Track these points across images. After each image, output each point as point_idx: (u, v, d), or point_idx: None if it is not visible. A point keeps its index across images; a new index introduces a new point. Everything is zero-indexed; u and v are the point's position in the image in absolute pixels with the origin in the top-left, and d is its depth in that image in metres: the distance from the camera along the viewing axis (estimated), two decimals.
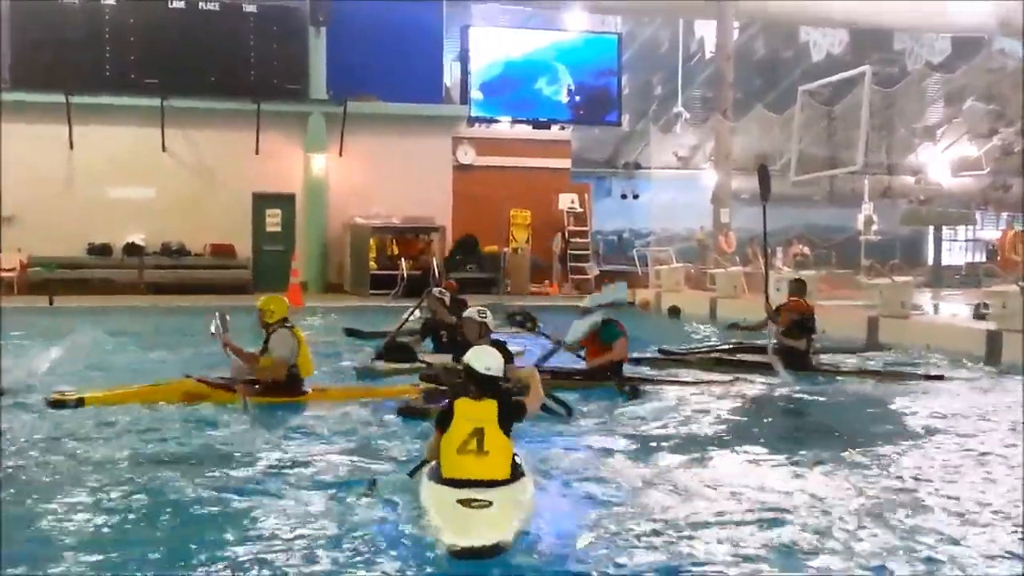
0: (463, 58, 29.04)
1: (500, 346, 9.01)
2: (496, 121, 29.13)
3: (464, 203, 27.34)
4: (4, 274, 24.30)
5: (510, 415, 6.38)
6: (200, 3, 25.77)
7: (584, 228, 28.70)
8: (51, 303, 21.55)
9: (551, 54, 29.70)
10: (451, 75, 29.53)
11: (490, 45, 29.15)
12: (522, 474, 6.34)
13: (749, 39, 36.20)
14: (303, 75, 26.50)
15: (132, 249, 25.15)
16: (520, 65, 29.28)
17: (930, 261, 32.97)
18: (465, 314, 10.57)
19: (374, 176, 26.51)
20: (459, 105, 28.55)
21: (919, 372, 12.65)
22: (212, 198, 25.83)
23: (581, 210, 28.67)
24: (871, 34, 35.15)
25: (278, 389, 9.64)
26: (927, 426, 9.37)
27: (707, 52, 34.95)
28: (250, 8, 26.11)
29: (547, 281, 27.63)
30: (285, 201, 26.62)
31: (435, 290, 13.46)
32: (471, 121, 28.55)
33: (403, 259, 25.64)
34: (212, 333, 9.95)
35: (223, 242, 25.80)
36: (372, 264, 25.75)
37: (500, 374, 6.49)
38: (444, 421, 6.32)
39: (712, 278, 23.63)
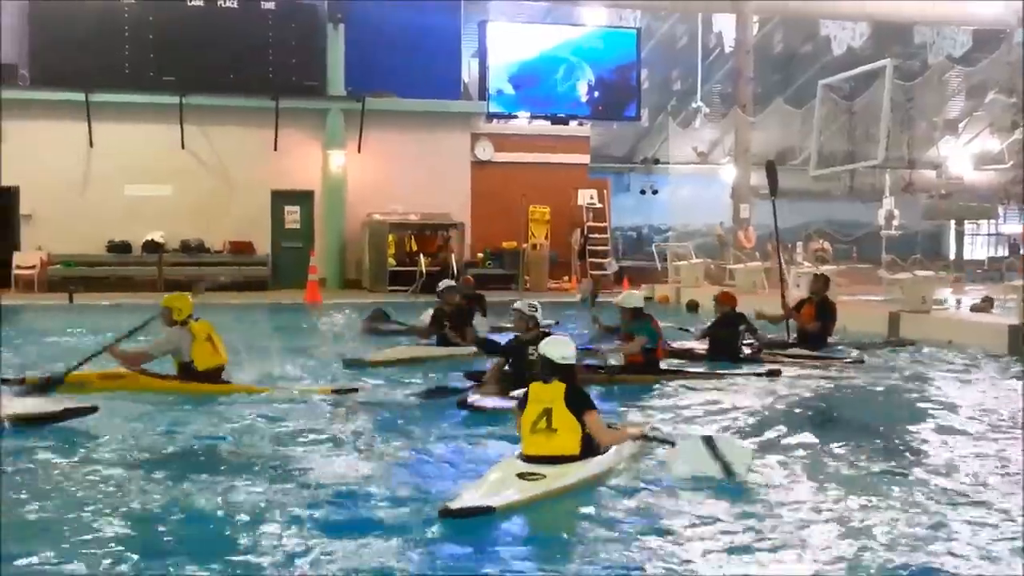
0: (481, 54, 28.98)
1: (546, 334, 9.42)
2: (514, 117, 29.08)
3: (482, 199, 27.33)
4: (24, 272, 24.42)
5: (576, 398, 6.87)
6: (218, 1, 25.83)
7: (603, 224, 28.63)
8: (71, 300, 21.64)
9: (569, 49, 29.62)
10: (469, 71, 29.49)
11: (508, 41, 29.08)
12: (595, 452, 6.89)
13: (768, 33, 35.97)
14: (321, 72, 26.53)
15: (151, 246, 25.23)
16: (538, 61, 29.22)
17: (952, 256, 32.76)
18: (515, 306, 10.59)
19: (392, 172, 26.53)
20: (477, 101, 28.52)
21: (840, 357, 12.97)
22: (231, 195, 25.89)
23: (600, 206, 28.61)
24: (891, 28, 34.89)
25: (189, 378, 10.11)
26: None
27: (726, 46, 34.76)
28: (268, 5, 26.15)
29: (566, 277, 27.59)
30: (303, 198, 26.66)
31: (444, 282, 13.88)
32: (489, 117, 28.52)
33: (421, 255, 25.66)
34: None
35: (242, 239, 25.87)
36: (390, 260, 25.79)
37: (572, 361, 7.08)
38: (523, 403, 7.00)
39: (731, 273, 23.54)
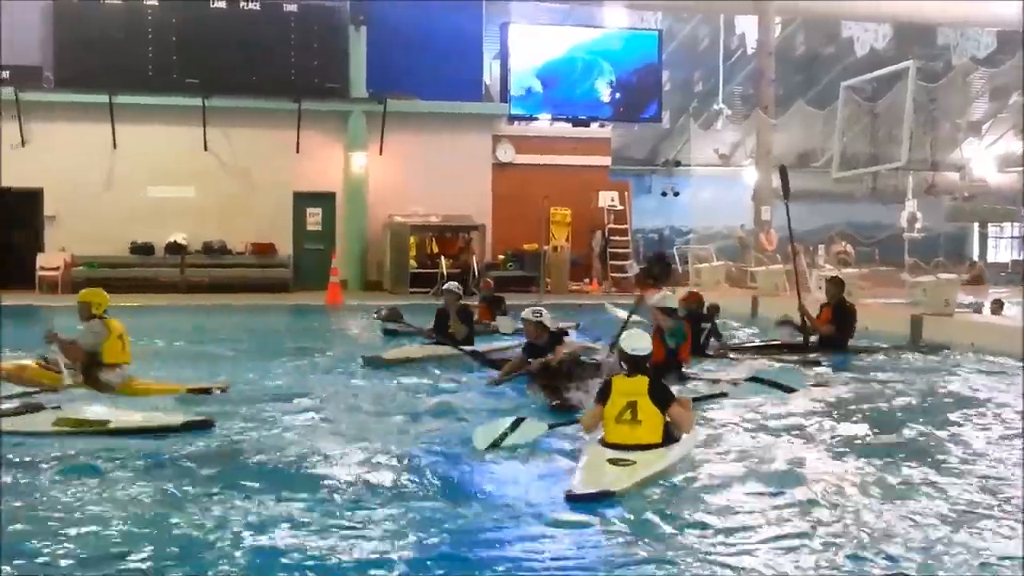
0: (503, 56, 29.01)
1: (558, 335, 10.71)
2: (536, 119, 29.09)
3: (504, 201, 27.34)
4: (48, 273, 24.57)
5: (660, 393, 7.40)
6: (241, 3, 25.94)
7: (624, 226, 28.60)
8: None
9: (591, 51, 29.61)
10: (491, 73, 29.52)
11: (530, 43, 29.09)
12: (676, 440, 7.43)
13: (790, 34, 35.91)
14: (343, 74, 26.60)
15: (174, 248, 25.35)
16: (560, 63, 29.22)
17: (975, 258, 32.58)
18: (522, 316, 11.12)
19: (414, 174, 26.56)
20: (499, 103, 28.55)
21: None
22: (253, 197, 25.99)
23: (621, 208, 28.58)
24: (914, 29, 34.75)
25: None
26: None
27: (748, 48, 34.71)
28: (291, 8, 26.23)
29: (587, 279, 27.57)
30: (325, 200, 26.74)
31: (451, 284, 14.20)
32: (511, 119, 28.54)
33: (442, 257, 25.69)
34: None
35: (264, 241, 25.95)
36: (412, 262, 25.81)
37: (646, 354, 7.58)
38: (603, 396, 7.44)
39: (753, 276, 23.48)
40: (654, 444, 7.25)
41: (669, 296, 12.32)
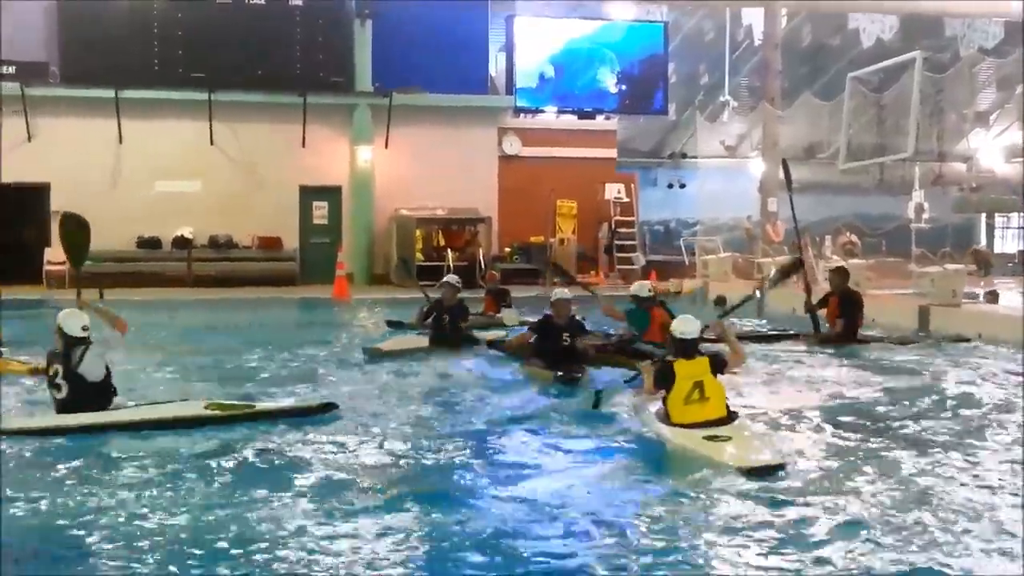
0: (508, 49, 28.96)
1: (576, 320, 11.61)
2: (541, 112, 29.05)
3: (510, 194, 27.33)
4: (55, 268, 24.58)
5: (717, 365, 8.01)
6: None
7: (630, 218, 28.57)
8: (101, 296, 21.67)
9: (596, 44, 29.54)
10: (496, 66, 29.48)
11: (535, 35, 29.02)
12: (736, 413, 7.94)
13: (796, 26, 35.77)
14: (349, 68, 26.60)
15: (181, 242, 25.38)
16: (565, 55, 29.16)
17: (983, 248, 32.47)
18: (559, 295, 11.77)
19: (420, 168, 26.56)
20: (504, 96, 28.50)
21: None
22: (259, 191, 26.01)
23: (627, 200, 28.56)
24: (921, 20, 34.62)
25: None
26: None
27: (755, 40, 34.60)
28: (296, 2, 26.24)
29: (593, 271, 27.55)
30: (331, 193, 26.75)
31: (450, 277, 14.33)
32: (516, 112, 28.50)
33: (449, 250, 25.71)
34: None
35: (270, 235, 25.97)
36: (418, 255, 25.80)
37: (696, 336, 8.13)
38: (666, 381, 7.89)
39: (760, 267, 23.44)
40: (723, 418, 7.78)
41: (641, 286, 12.93)
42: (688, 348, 8.02)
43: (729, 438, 7.46)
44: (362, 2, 26.26)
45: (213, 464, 7.18)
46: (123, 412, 8.29)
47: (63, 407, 8.07)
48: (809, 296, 14.48)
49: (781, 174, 27.77)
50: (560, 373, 10.64)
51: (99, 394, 8.20)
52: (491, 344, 13.13)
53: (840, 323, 13.87)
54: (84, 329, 8.23)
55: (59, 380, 8.05)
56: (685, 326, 8.13)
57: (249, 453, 7.49)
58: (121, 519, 5.94)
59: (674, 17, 33.85)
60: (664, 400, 7.98)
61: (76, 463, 7.09)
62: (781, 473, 6.89)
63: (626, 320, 12.41)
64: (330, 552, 5.41)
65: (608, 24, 30.47)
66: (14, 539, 5.56)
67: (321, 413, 8.71)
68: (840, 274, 14.68)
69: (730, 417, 7.87)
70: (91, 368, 8.14)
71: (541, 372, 10.97)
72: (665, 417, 7.96)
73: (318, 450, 7.61)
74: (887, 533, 5.72)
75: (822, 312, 14.17)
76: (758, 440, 7.67)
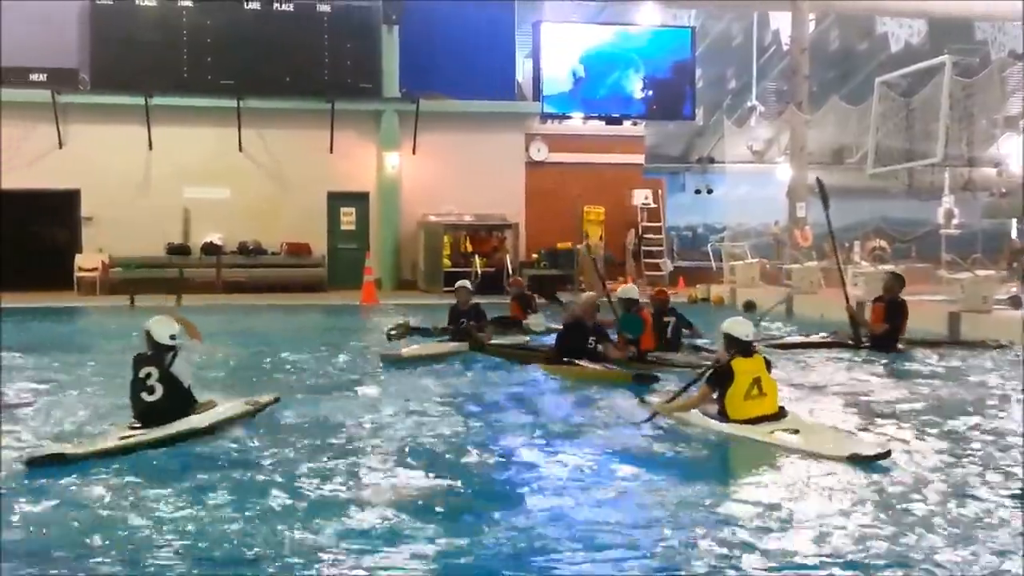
0: (535, 54, 28.99)
1: (602, 328, 11.95)
2: (569, 117, 29.04)
3: (537, 200, 27.35)
4: (86, 274, 24.79)
5: (769, 364, 8.47)
6: (275, 4, 26.11)
7: (658, 224, 28.55)
8: (132, 303, 21.91)
9: (624, 49, 29.53)
10: (523, 72, 29.51)
11: (562, 41, 29.04)
12: (784, 412, 8.21)
13: (824, 30, 35.68)
14: (376, 74, 26.70)
15: (210, 248, 25.52)
16: (592, 60, 29.16)
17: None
18: (586, 296, 12.25)
19: (447, 173, 26.62)
20: (531, 102, 28.53)
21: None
22: (287, 197, 26.13)
23: (655, 205, 28.53)
24: (950, 24, 34.45)
25: None
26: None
27: (782, 44, 34.53)
28: (324, 8, 26.37)
29: (620, 277, 27.48)
30: (359, 199, 26.85)
31: (463, 282, 14.77)
32: (543, 118, 28.52)
33: (476, 256, 25.73)
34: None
35: (298, 241, 26.08)
36: (445, 261, 25.83)
37: (752, 337, 8.53)
38: (723, 380, 8.23)
39: (788, 273, 23.35)
40: (776, 413, 8.16)
41: (630, 289, 13.57)
42: (746, 347, 8.37)
43: (796, 431, 7.80)
44: (390, 8, 26.34)
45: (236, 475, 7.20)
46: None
47: (153, 409, 8.21)
48: (849, 302, 14.43)
49: (811, 179, 27.85)
50: (638, 373, 10.81)
51: (185, 399, 8.42)
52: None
53: (884, 327, 13.79)
54: (172, 337, 8.42)
55: (153, 383, 8.22)
56: (742, 328, 8.48)
57: (262, 464, 7.48)
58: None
59: (701, 21, 33.83)
60: (721, 399, 8.28)
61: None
62: (883, 463, 7.15)
63: (619, 326, 12.33)
64: (359, 567, 5.34)
65: (635, 29, 30.45)
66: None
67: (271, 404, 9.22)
68: (898, 280, 14.48)
69: (782, 412, 8.23)
70: (182, 373, 8.39)
71: (609, 373, 11.02)
72: (721, 416, 8.28)
73: (345, 460, 7.57)
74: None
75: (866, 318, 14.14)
76: (827, 431, 8.04)
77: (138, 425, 8.09)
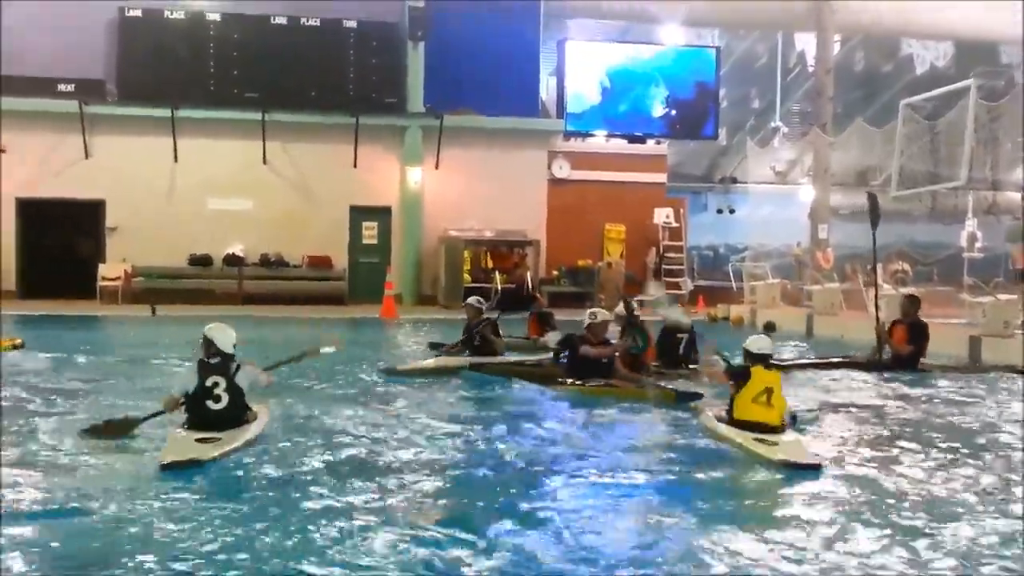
0: (559, 72, 29.06)
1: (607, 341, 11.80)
2: (592, 135, 29.07)
3: (558, 217, 27.40)
4: (109, 283, 24.96)
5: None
6: (301, 19, 26.31)
7: (679, 243, 28.53)
8: (153, 313, 22.05)
9: (648, 68, 29.56)
10: (547, 89, 29.57)
11: (586, 59, 29.10)
12: (784, 428, 8.61)
13: (849, 52, 35.65)
14: (401, 89, 26.83)
15: (232, 260, 25.65)
16: (616, 79, 29.20)
17: None
18: (596, 318, 11.85)
19: (469, 189, 26.71)
20: (555, 119, 28.57)
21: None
22: (310, 210, 26.25)
23: (676, 225, 28.52)
24: (976, 47, 34.37)
25: None
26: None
27: (807, 65, 34.51)
28: (350, 24, 26.56)
29: (640, 296, 27.49)
30: (381, 214, 26.94)
31: (472, 299, 14.79)
32: (567, 135, 28.54)
33: (497, 272, 25.78)
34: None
35: (320, 254, 26.18)
36: (466, 277, 25.89)
37: (770, 352, 9.05)
38: (738, 377, 8.85)
39: (809, 294, 23.30)
40: (776, 427, 8.57)
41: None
42: (764, 360, 8.87)
43: (776, 443, 8.21)
44: (415, 24, 26.46)
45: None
46: None
47: (219, 417, 8.34)
48: (879, 323, 14.44)
49: (833, 201, 27.75)
50: (681, 392, 10.71)
51: (243, 409, 8.60)
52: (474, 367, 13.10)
53: (909, 349, 13.81)
54: (234, 346, 8.61)
55: (220, 392, 8.37)
56: (760, 343, 9.07)
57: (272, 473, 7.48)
58: None
59: (726, 41, 33.86)
60: (732, 397, 8.86)
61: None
62: (812, 474, 7.59)
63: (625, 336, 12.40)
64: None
65: (660, 49, 30.48)
66: None
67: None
68: (913, 302, 14.52)
69: (783, 429, 8.60)
70: (244, 383, 8.54)
71: (650, 390, 10.91)
72: (726, 415, 8.93)
73: (355, 474, 7.50)
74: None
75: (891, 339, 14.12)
76: (801, 445, 8.29)
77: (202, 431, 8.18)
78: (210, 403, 8.34)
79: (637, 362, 12.06)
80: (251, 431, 8.34)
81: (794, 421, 9.01)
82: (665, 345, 12.97)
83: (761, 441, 8.27)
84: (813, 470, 7.67)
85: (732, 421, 8.78)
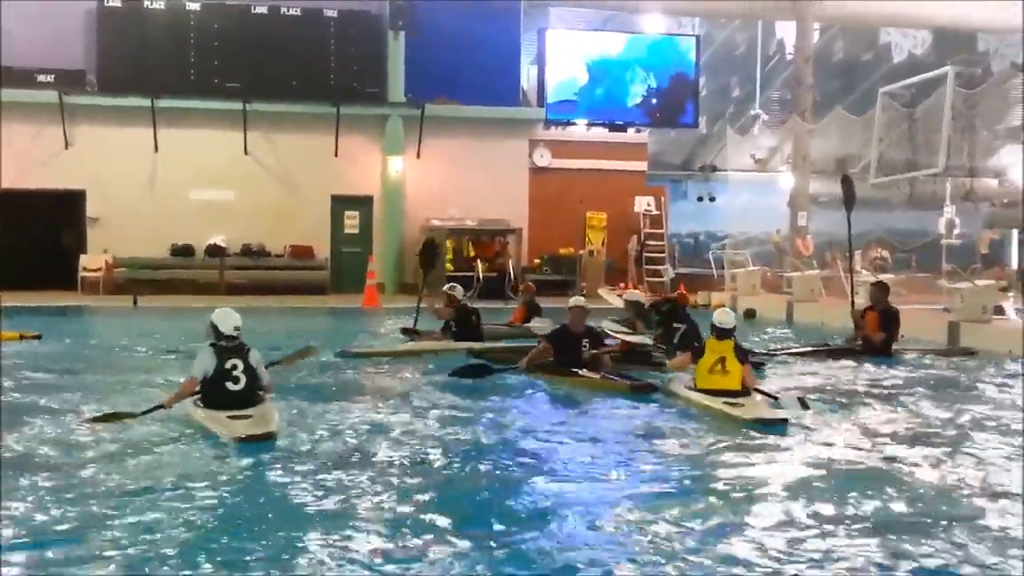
0: (540, 61, 29.11)
1: (595, 331, 12.04)
2: (572, 124, 29.15)
3: (540, 205, 27.49)
4: (90, 274, 24.91)
5: (740, 352, 9.98)
6: (282, 8, 26.27)
7: (660, 231, 28.66)
8: (135, 304, 22.04)
9: (628, 56, 29.66)
10: (528, 78, 29.62)
11: (567, 48, 29.18)
12: (748, 392, 9.63)
13: (829, 40, 35.81)
14: (382, 79, 26.84)
15: (214, 250, 25.62)
16: (597, 68, 29.28)
17: (1014, 265, 32.28)
18: (572, 303, 12.20)
19: (451, 178, 26.75)
20: (535, 108, 28.63)
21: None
22: (292, 200, 26.25)
23: (657, 212, 28.65)
24: (954, 35, 34.56)
25: None
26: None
27: (786, 54, 34.65)
28: (331, 13, 26.53)
29: (622, 284, 27.59)
30: (363, 203, 26.96)
31: (447, 286, 15.14)
32: (547, 124, 28.61)
33: (479, 261, 25.83)
34: None
35: (302, 243, 26.18)
36: (448, 266, 25.88)
37: (731, 326, 9.95)
38: (698, 352, 10.07)
39: (789, 281, 23.46)
40: (738, 391, 9.57)
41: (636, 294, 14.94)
42: (721, 333, 9.87)
43: (744, 405, 9.26)
44: (396, 14, 26.45)
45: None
46: None
47: (239, 398, 8.61)
48: (853, 308, 14.65)
49: (812, 188, 27.89)
50: (635, 383, 10.77)
51: (258, 389, 8.88)
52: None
53: (882, 336, 14.00)
54: (236, 329, 8.79)
55: (239, 374, 8.67)
56: (724, 317, 10.04)
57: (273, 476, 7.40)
58: None
59: (706, 30, 33.94)
60: (694, 370, 9.99)
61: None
62: (780, 428, 8.66)
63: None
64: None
65: (640, 37, 30.56)
66: None
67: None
68: (881, 289, 14.74)
69: (746, 392, 9.62)
70: (258, 363, 8.90)
71: (604, 382, 10.97)
72: (692, 384, 10.01)
73: (346, 468, 7.45)
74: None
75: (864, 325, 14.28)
76: (768, 406, 9.32)
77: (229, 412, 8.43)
78: (229, 384, 8.64)
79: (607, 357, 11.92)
80: (273, 409, 8.61)
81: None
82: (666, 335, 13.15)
83: (731, 404, 9.26)
84: (781, 424, 8.73)
85: (696, 391, 9.85)
